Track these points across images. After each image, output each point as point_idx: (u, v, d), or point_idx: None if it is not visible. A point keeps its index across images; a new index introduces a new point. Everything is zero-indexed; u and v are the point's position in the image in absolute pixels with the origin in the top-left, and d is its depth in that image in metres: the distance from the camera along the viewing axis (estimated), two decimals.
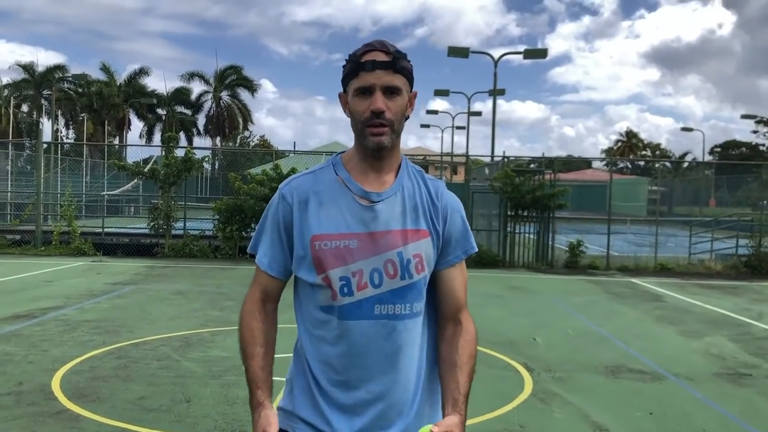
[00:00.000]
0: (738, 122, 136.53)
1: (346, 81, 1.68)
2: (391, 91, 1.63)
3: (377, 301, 1.64)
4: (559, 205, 14.90)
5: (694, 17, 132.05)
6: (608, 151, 72.58)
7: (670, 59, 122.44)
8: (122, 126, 47.89)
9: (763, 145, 64.86)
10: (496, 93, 23.70)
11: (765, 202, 21.23)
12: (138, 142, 50.72)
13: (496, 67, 22.88)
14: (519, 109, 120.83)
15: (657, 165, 40.59)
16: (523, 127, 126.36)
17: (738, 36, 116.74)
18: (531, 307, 9.68)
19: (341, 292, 1.64)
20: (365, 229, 1.65)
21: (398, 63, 1.64)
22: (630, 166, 64.05)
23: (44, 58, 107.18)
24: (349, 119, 1.70)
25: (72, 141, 43.25)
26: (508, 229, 15.02)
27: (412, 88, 1.71)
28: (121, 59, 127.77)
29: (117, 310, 8.43)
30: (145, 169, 15.89)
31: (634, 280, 12.99)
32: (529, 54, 23.67)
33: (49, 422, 4.38)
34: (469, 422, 1.65)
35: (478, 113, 40.21)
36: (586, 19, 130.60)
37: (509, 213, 14.99)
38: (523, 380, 5.66)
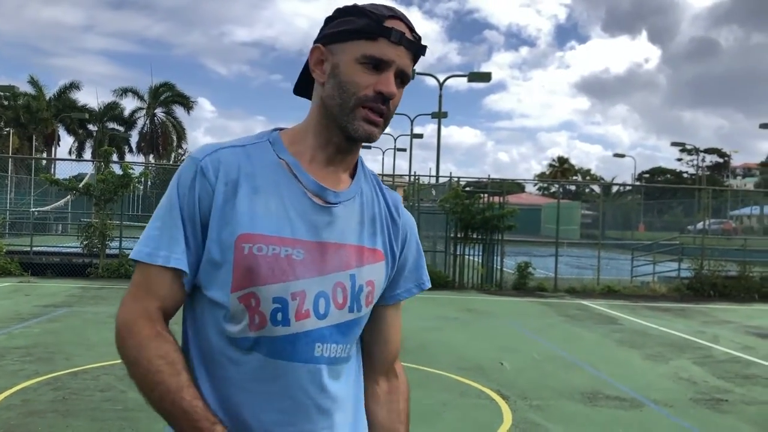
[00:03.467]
0: (662, 150, 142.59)
1: (347, 37, 1.19)
2: (402, 80, 1.21)
3: (318, 338, 1.18)
4: (508, 227, 14.83)
5: (622, 50, 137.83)
6: (541, 176, 74.27)
7: (599, 89, 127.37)
8: (51, 141, 45.91)
9: (687, 172, 68.08)
10: (441, 115, 23.82)
11: (695, 226, 21.82)
12: (68, 159, 48.75)
13: (441, 89, 23.03)
14: (456, 134, 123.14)
15: (588, 190, 41.52)
16: (460, 151, 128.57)
17: (663, 70, 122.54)
18: (490, 330, 9.41)
19: (273, 319, 1.15)
20: (316, 238, 1.18)
21: (420, 51, 1.22)
22: (562, 190, 65.75)
23: None
24: (314, 80, 1.24)
25: None
26: (458, 251, 14.84)
27: None
28: (57, 75, 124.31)
29: (50, 335, 7.72)
30: (80, 185, 15.04)
31: (584, 302, 12.94)
32: (473, 77, 23.89)
33: None
34: None
35: (420, 135, 40.34)
36: (523, 50, 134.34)
37: (458, 235, 14.82)
38: (500, 409, 5.34)
